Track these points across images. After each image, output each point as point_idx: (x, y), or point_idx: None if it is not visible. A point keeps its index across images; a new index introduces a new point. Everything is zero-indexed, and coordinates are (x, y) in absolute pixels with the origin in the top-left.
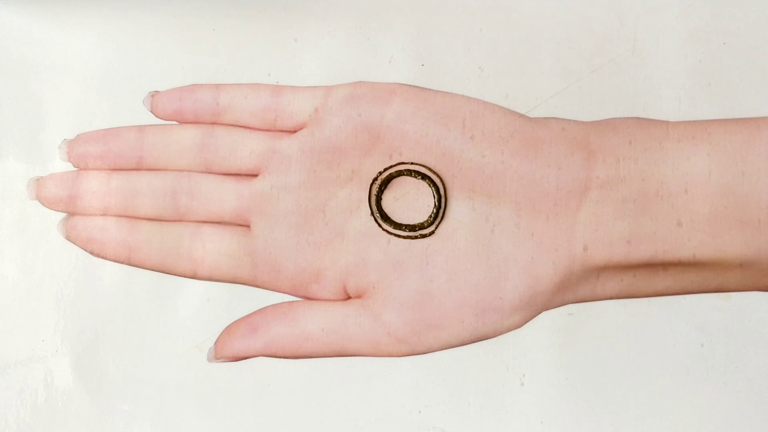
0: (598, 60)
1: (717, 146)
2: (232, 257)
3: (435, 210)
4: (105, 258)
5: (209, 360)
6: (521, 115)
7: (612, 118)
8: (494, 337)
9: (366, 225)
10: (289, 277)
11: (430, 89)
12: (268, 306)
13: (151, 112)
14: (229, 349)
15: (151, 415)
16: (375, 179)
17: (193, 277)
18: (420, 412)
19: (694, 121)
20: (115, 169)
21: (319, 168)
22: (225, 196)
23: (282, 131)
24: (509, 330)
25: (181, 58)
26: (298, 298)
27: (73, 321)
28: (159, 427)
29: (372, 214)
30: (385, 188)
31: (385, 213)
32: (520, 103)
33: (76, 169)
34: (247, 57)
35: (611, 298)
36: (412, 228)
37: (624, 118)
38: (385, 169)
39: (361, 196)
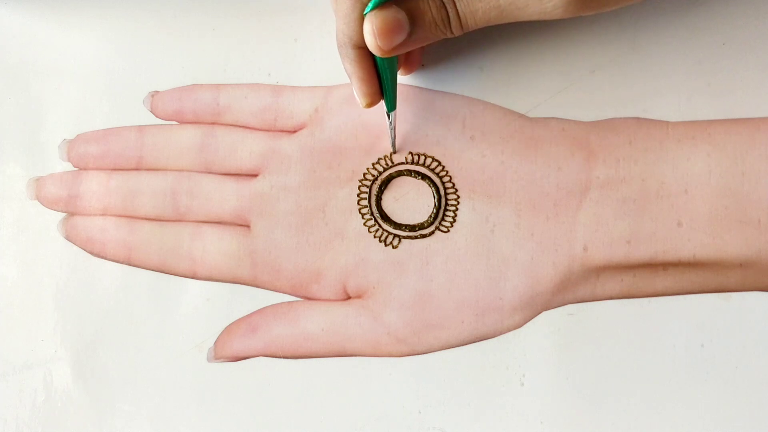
0: (598, 60)
1: (717, 146)
2: (232, 257)
3: (435, 210)
4: (105, 258)
5: (209, 360)
6: (521, 115)
7: (612, 118)
8: (494, 337)
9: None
10: (289, 277)
11: (430, 89)
12: (268, 306)
13: (151, 112)
14: (229, 349)
15: (151, 415)
16: (375, 179)
17: (193, 277)
18: (420, 412)
19: (694, 121)
20: (115, 169)
21: (319, 168)
22: (225, 196)
23: (282, 131)
24: (509, 330)
25: (181, 58)
26: (298, 298)
27: (73, 321)
28: (159, 427)
29: (372, 214)
30: (385, 188)
31: (385, 213)
32: (520, 103)
33: (76, 169)
34: (247, 57)
35: (611, 298)
36: (412, 228)
37: (624, 118)
38: (385, 169)
39: (361, 196)
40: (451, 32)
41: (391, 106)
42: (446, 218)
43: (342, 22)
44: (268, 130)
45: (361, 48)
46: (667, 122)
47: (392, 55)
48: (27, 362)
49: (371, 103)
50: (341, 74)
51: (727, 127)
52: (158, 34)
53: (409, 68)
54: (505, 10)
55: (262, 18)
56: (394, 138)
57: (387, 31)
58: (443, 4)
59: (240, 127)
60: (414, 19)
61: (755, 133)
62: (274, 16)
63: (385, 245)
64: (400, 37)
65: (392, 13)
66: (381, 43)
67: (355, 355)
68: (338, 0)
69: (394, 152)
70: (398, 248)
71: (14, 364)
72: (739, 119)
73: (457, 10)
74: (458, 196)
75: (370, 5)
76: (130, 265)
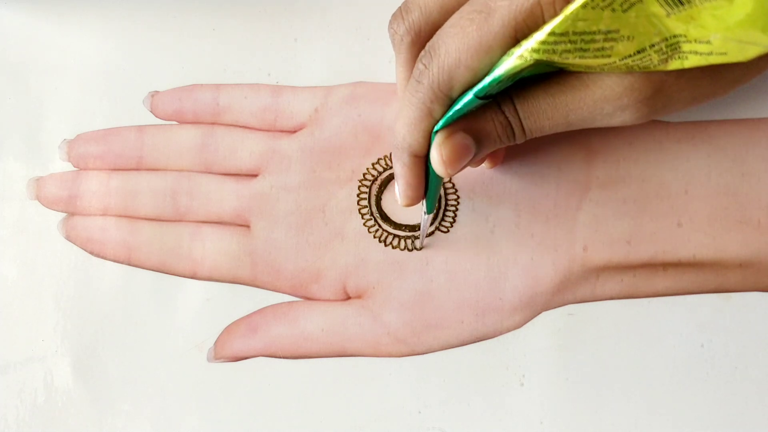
0: None
1: (717, 147)
2: (232, 257)
3: (435, 210)
4: (105, 258)
5: (209, 360)
6: None
7: None
8: (494, 337)
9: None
10: (289, 278)
11: None
12: (268, 306)
13: (151, 112)
14: (229, 349)
15: (151, 415)
16: (375, 179)
17: (193, 277)
18: (420, 412)
19: (694, 122)
20: (115, 169)
21: (319, 168)
22: (225, 196)
23: (282, 131)
24: (509, 330)
25: (181, 58)
26: (298, 298)
27: (73, 321)
28: (159, 427)
29: (372, 214)
30: (385, 188)
31: (385, 213)
32: None
33: (76, 169)
34: (247, 57)
35: (611, 298)
36: (412, 228)
37: None
38: (385, 169)
39: (361, 196)
40: (514, 143)
41: (431, 209)
42: (446, 218)
43: (405, 129)
44: (268, 130)
45: (417, 156)
46: (667, 122)
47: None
48: (27, 362)
49: (411, 205)
50: (341, 74)
51: (726, 127)
52: (158, 34)
53: (494, 162)
54: (573, 124)
55: (262, 18)
56: (425, 236)
57: (456, 159)
58: (509, 122)
59: (240, 127)
60: (479, 140)
61: (755, 133)
62: (274, 16)
63: (385, 245)
64: (467, 160)
65: (460, 139)
66: (450, 170)
67: (355, 356)
68: (405, 108)
69: (421, 248)
70: (398, 248)
71: (15, 363)
72: (739, 119)
73: (523, 128)
74: (458, 197)
75: (441, 122)
76: (130, 265)
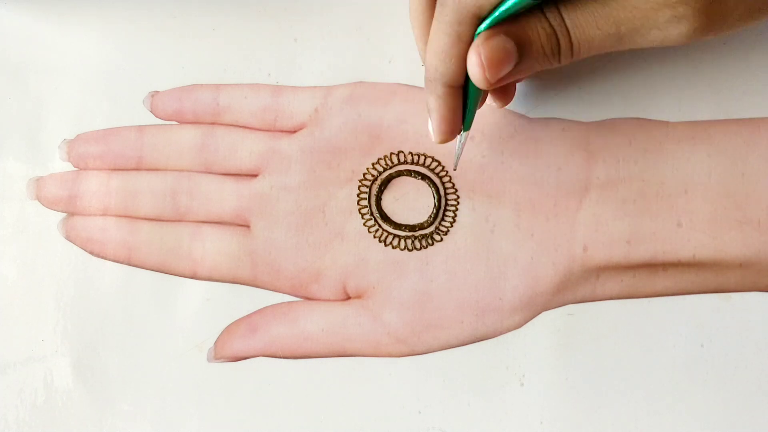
0: (598, 60)
1: (717, 147)
2: (232, 257)
3: (435, 210)
4: (105, 258)
5: (209, 360)
6: (521, 115)
7: (612, 119)
8: (494, 337)
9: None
10: (289, 278)
11: None
12: (268, 306)
13: (151, 112)
14: (229, 349)
15: (151, 415)
16: (375, 179)
17: (193, 277)
18: (420, 412)
19: (694, 122)
20: (115, 169)
21: (319, 168)
22: (225, 196)
23: (282, 131)
24: (509, 330)
25: (181, 58)
26: (298, 298)
27: (73, 321)
28: (159, 427)
29: (372, 214)
30: (385, 188)
31: (385, 213)
32: (520, 103)
33: (76, 169)
34: (247, 57)
35: (611, 298)
36: (412, 228)
37: (624, 118)
38: (385, 169)
39: (361, 196)
40: (559, 62)
41: (468, 127)
42: (446, 218)
43: (436, 58)
44: (268, 130)
45: (452, 87)
46: (667, 122)
47: (494, 87)
48: (27, 362)
49: (446, 141)
50: (341, 74)
51: (727, 127)
52: (158, 34)
53: (506, 100)
54: (624, 37)
55: (262, 18)
56: (460, 156)
57: (496, 62)
58: (554, 31)
59: (240, 127)
60: (521, 48)
61: (755, 133)
62: (274, 16)
63: (385, 245)
64: (508, 68)
65: (501, 42)
66: (489, 75)
67: (355, 356)
68: (434, 36)
69: (455, 169)
70: (398, 248)
71: (14, 363)
72: (739, 119)
73: (570, 38)
74: (458, 197)
75: (484, 25)
76: (130, 265)
